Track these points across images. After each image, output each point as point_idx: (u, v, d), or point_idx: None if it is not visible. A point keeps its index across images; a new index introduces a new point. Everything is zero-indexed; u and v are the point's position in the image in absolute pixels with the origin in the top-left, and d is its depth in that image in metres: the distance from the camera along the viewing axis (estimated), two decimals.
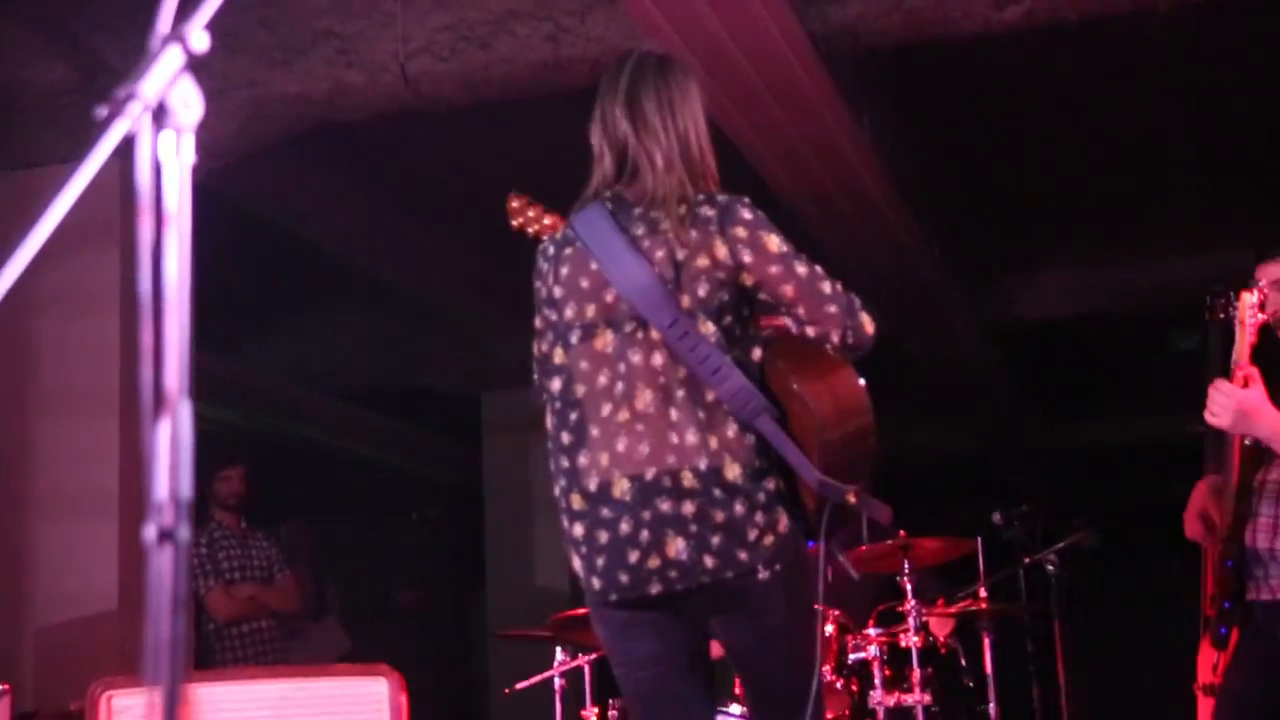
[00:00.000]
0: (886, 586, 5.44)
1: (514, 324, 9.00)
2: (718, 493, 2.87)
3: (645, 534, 2.87)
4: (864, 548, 5.20)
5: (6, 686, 4.20)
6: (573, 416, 2.99)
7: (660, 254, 2.93)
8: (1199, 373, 3.93)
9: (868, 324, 2.98)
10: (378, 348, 9.46)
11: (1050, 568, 5.79)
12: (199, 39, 1.31)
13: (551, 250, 3.11)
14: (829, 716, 4.82)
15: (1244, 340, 3.64)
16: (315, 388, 9.78)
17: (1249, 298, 3.68)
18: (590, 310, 2.99)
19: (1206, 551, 4.17)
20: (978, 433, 11.33)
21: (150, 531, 1.35)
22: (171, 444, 1.33)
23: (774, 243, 2.94)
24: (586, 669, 5.29)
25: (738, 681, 3.83)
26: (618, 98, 3.08)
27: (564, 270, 3.03)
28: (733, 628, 3.00)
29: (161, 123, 1.27)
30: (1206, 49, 6.02)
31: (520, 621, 6.32)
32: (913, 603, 5.07)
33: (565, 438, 3.00)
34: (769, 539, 2.88)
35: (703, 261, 2.92)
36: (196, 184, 1.32)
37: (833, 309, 2.94)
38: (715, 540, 2.86)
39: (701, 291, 2.92)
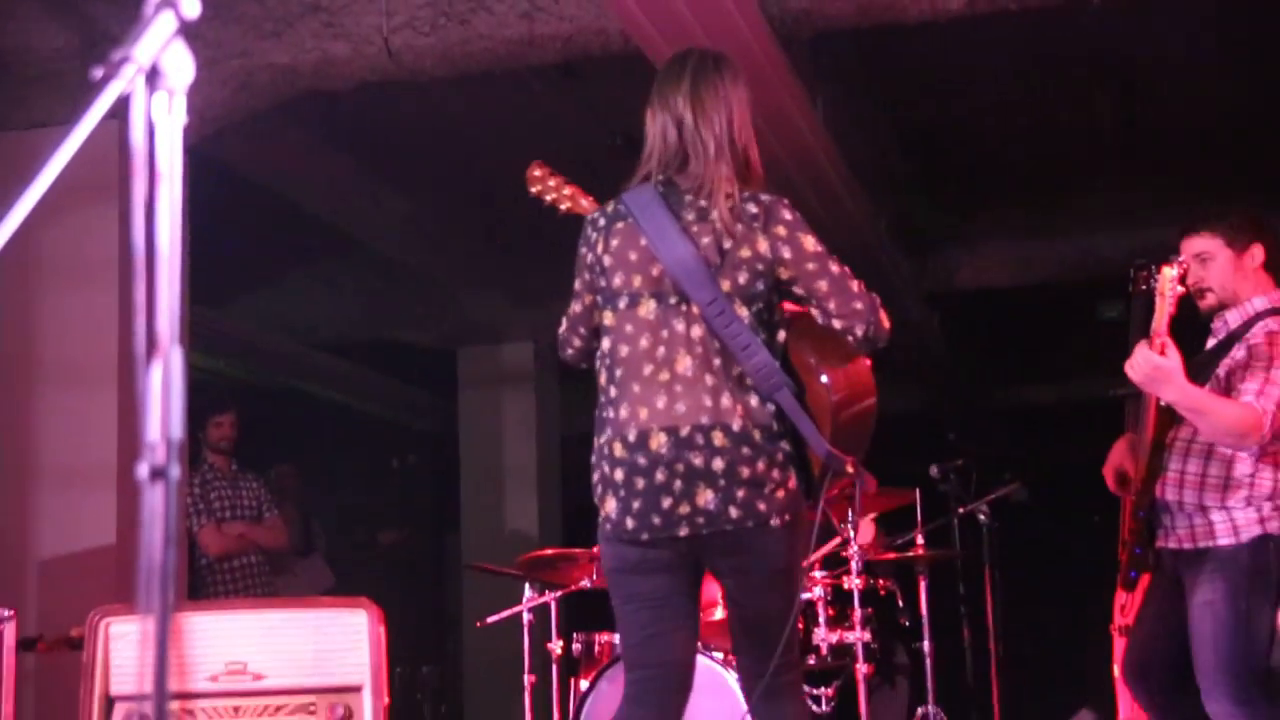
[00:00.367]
0: (828, 532, 5.47)
1: (488, 284, 9.04)
2: (745, 450, 3.03)
3: (679, 484, 3.03)
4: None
5: (12, 612, 4.19)
6: (618, 373, 3.13)
7: (707, 240, 3.08)
8: (1123, 340, 3.97)
9: (885, 321, 3.15)
10: (360, 304, 9.43)
11: (982, 518, 5.83)
12: (190, 5, 1.31)
13: (602, 222, 3.23)
14: None
15: (1163, 311, 3.69)
16: (302, 341, 9.74)
17: (1169, 271, 3.72)
18: (637, 280, 3.12)
19: (1124, 503, 4.22)
20: (920, 393, 11.39)
21: (143, 469, 1.35)
22: (163, 387, 1.32)
23: (810, 243, 3.10)
24: (553, 605, 5.31)
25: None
26: (680, 88, 3.19)
27: (614, 242, 3.16)
28: (740, 570, 3.13)
29: (155, 85, 1.27)
30: (1137, 36, 6.03)
31: (492, 560, 6.33)
32: (855, 547, 5.10)
33: (611, 391, 3.15)
34: (781, 493, 3.06)
35: (745, 253, 3.07)
36: (189, 148, 1.32)
37: (859, 305, 3.09)
38: (740, 494, 3.02)
39: (741, 279, 3.07)
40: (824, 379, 3.12)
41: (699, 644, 3.72)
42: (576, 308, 3.29)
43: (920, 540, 5.64)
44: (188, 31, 1.30)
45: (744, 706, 4.56)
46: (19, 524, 5.30)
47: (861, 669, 4.99)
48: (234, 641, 3.85)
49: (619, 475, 3.10)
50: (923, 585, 5.61)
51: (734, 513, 3.03)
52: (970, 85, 6.59)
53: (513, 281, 8.99)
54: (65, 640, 4.31)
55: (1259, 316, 3.89)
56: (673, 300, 3.10)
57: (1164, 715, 4.01)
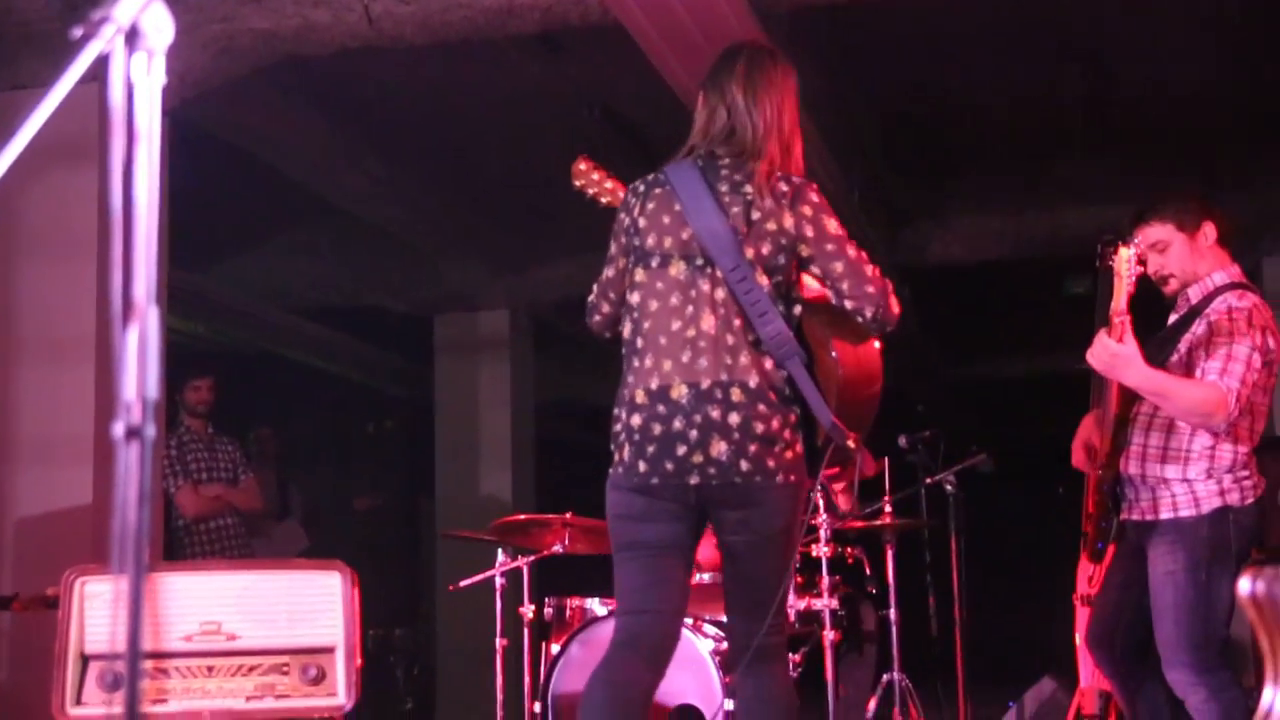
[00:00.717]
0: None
1: (466, 252, 9.00)
2: (761, 408, 3.18)
3: (695, 433, 3.16)
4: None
5: None
6: (646, 325, 3.27)
7: (737, 210, 3.24)
8: (1090, 315, 3.98)
9: (895, 305, 3.28)
10: (338, 270, 9.38)
11: (949, 488, 5.85)
12: None
13: (641, 188, 3.38)
14: None
15: (1122, 291, 3.70)
16: (280, 306, 9.69)
17: (1126, 251, 3.73)
18: (668, 242, 3.28)
19: (1088, 476, 4.24)
20: (890, 364, 11.40)
21: (119, 429, 1.34)
22: (140, 347, 1.31)
23: (832, 225, 3.26)
24: (525, 570, 5.32)
25: None
26: (734, 74, 3.35)
27: (650, 205, 3.32)
28: (745, 524, 3.22)
29: (134, 45, 1.25)
30: (1106, 16, 6.04)
31: (466, 526, 6.33)
32: (824, 516, 5.12)
33: (638, 343, 3.29)
34: (789, 454, 3.21)
35: (771, 226, 3.23)
36: (169, 112, 1.31)
37: (870, 289, 3.24)
38: (752, 448, 3.16)
39: (765, 249, 3.23)
40: (834, 354, 3.25)
41: None
42: (610, 272, 3.41)
43: (888, 509, 5.67)
44: None
45: (712, 670, 4.59)
46: None
47: (829, 635, 5.01)
48: (208, 602, 3.84)
49: (637, 421, 3.22)
50: (890, 554, 5.64)
51: (744, 465, 3.15)
52: (942, 61, 6.59)
53: (490, 250, 8.96)
54: (41, 599, 4.29)
55: (1219, 291, 3.91)
56: (699, 262, 3.25)
57: (1125, 683, 4.05)
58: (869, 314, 3.24)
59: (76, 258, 5.23)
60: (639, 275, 3.31)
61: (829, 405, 3.21)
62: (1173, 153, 7.49)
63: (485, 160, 7.70)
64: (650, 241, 3.30)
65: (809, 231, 3.24)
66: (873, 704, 5.58)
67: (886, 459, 5.64)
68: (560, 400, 11.86)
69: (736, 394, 3.17)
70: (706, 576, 5.12)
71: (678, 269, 3.26)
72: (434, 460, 9.73)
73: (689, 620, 4.69)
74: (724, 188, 3.27)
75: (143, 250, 1.27)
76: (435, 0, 5.00)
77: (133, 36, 1.27)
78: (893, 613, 5.54)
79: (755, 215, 3.23)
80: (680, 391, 3.19)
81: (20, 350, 5.32)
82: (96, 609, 3.75)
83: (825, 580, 5.05)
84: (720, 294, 3.23)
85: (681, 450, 3.17)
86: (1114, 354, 3.69)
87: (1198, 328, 3.87)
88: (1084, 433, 4.25)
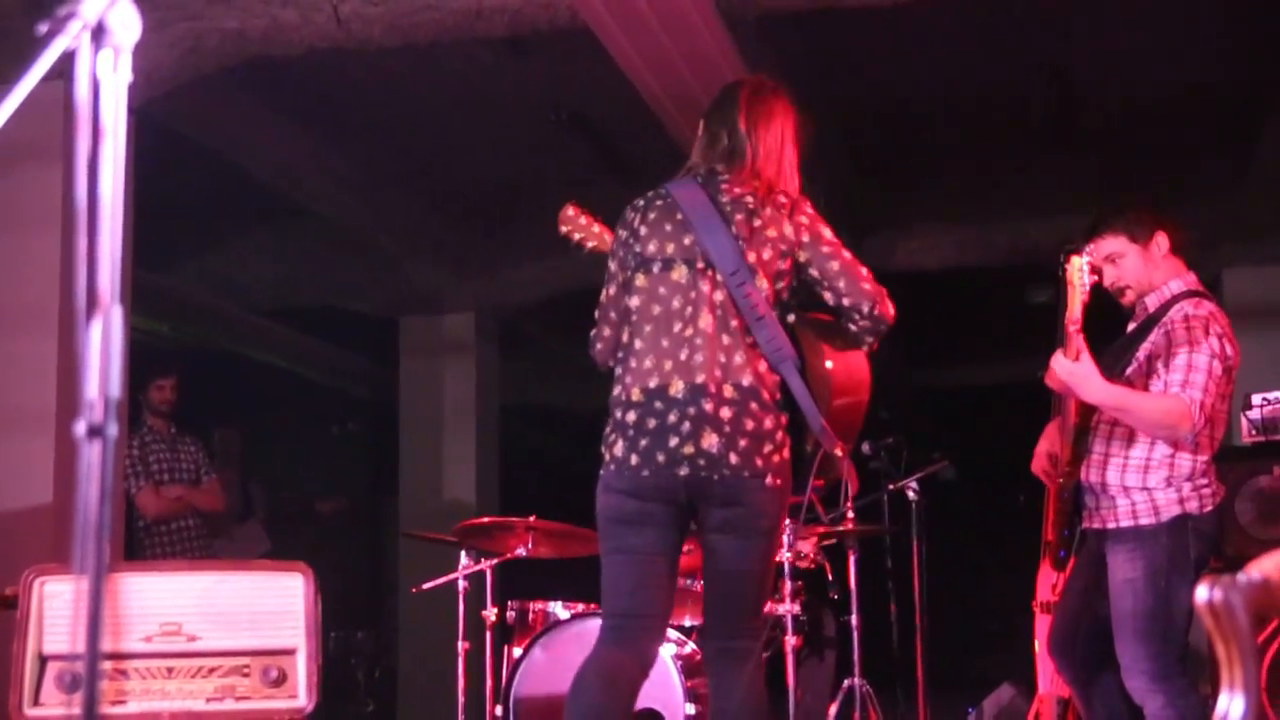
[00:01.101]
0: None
1: (432, 254, 8.98)
2: (753, 406, 3.27)
3: (687, 425, 3.25)
4: None
5: None
6: (646, 329, 3.37)
7: (740, 217, 3.37)
8: (1053, 324, 4.00)
9: (889, 309, 3.39)
10: (303, 271, 9.33)
11: (911, 494, 5.87)
12: None
13: (642, 203, 3.50)
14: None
15: (1075, 301, 3.73)
16: (245, 306, 9.63)
17: (1078, 260, 3.76)
18: (670, 248, 3.39)
19: (1050, 488, 4.26)
20: None
21: (80, 427, 1.33)
22: (103, 345, 1.30)
23: (827, 233, 3.41)
24: (488, 573, 5.30)
25: None
26: (738, 102, 3.52)
27: (651, 215, 3.44)
28: (730, 523, 3.29)
29: (100, 41, 1.24)
30: (1070, 25, 6.08)
31: (429, 529, 6.30)
32: (787, 522, 5.12)
33: (637, 344, 3.38)
34: (777, 458, 3.30)
35: (772, 232, 3.36)
36: (136, 110, 1.30)
37: (867, 287, 3.36)
38: (742, 443, 3.25)
39: (766, 254, 3.35)
40: (828, 362, 3.39)
41: None
42: (611, 290, 3.49)
43: (850, 515, 5.68)
44: None
45: (673, 674, 4.59)
46: None
47: (790, 641, 5.01)
48: (169, 602, 3.81)
49: (631, 417, 3.32)
50: (852, 559, 5.65)
51: (734, 459, 3.24)
52: (908, 68, 6.62)
53: (456, 252, 8.94)
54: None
55: (1175, 299, 3.94)
56: (700, 266, 3.36)
57: (1085, 690, 4.07)
58: (866, 309, 3.34)
59: (39, 256, 5.19)
60: (639, 281, 3.40)
61: (821, 411, 3.31)
62: (1135, 163, 7.55)
63: (452, 163, 7.68)
64: (652, 248, 3.40)
65: (806, 237, 3.38)
66: (833, 709, 5.59)
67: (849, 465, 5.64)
68: (525, 404, 11.83)
69: (730, 391, 3.27)
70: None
71: (679, 273, 3.37)
72: (398, 463, 9.69)
73: None
74: (725, 199, 3.40)
75: (107, 248, 1.26)
76: (404, 2, 4.99)
77: (99, 33, 1.26)
78: (854, 618, 5.55)
79: (757, 223, 3.36)
80: (677, 388, 3.28)
81: None
82: (56, 609, 3.71)
83: (787, 585, 5.05)
84: (719, 296, 3.33)
85: (673, 441, 3.25)
86: (1070, 373, 3.73)
87: (1156, 336, 3.89)
88: (1046, 441, 4.27)
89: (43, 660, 3.69)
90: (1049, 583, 4.87)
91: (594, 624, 4.80)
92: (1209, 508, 3.84)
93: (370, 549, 11.69)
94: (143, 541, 6.32)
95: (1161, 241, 3.97)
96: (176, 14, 5.07)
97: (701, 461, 3.24)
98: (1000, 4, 5.25)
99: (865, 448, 5.95)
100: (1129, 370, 3.91)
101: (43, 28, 1.23)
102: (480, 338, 9.53)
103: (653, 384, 3.30)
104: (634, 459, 3.28)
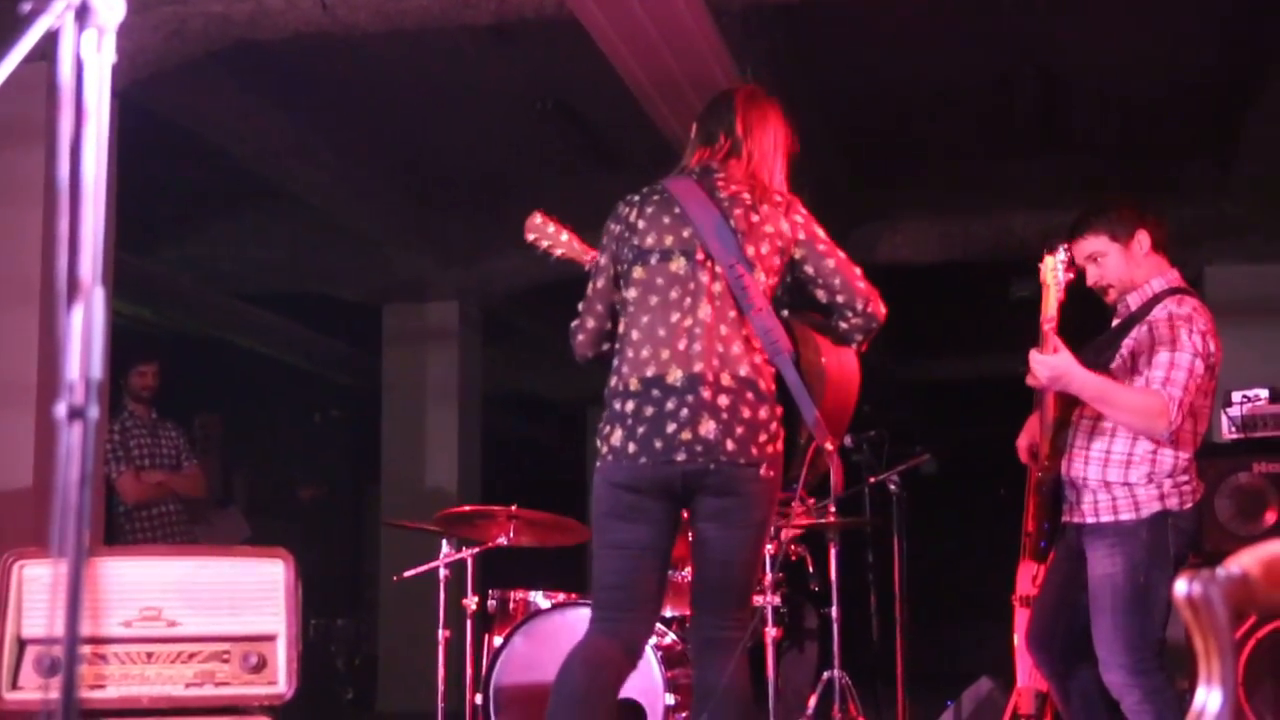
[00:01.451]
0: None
1: (416, 242, 8.96)
2: (749, 395, 3.31)
3: (685, 412, 3.28)
4: None
5: None
6: (644, 319, 3.38)
7: (738, 212, 3.41)
8: (1035, 319, 4.00)
9: (881, 308, 3.45)
10: (287, 257, 9.31)
11: (892, 487, 5.87)
12: None
13: (637, 198, 3.52)
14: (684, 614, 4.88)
15: (1050, 299, 3.75)
16: (228, 291, 9.61)
17: (1051, 260, 3.78)
18: (669, 240, 3.41)
19: (1029, 478, 4.27)
20: None
21: (61, 409, 1.32)
22: (84, 327, 1.29)
23: (821, 232, 3.48)
24: (469, 561, 5.30)
25: None
26: (733, 106, 3.58)
27: (649, 209, 3.46)
28: (725, 512, 3.32)
29: (84, 22, 1.23)
30: (1056, 23, 6.09)
31: (411, 517, 6.30)
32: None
33: (634, 335, 3.39)
34: (771, 449, 3.33)
35: (769, 228, 3.41)
36: (120, 92, 1.29)
37: (861, 285, 3.43)
38: (739, 430, 3.28)
39: (764, 248, 3.39)
40: (822, 357, 3.42)
41: None
42: (599, 283, 3.50)
43: (832, 508, 5.68)
44: None
45: (654, 665, 4.60)
46: None
47: (771, 633, 5.03)
48: (149, 587, 3.80)
49: (629, 407, 3.33)
50: (833, 552, 5.66)
51: (730, 445, 3.26)
52: (895, 63, 6.62)
53: (440, 240, 8.92)
54: None
55: (1158, 297, 3.94)
56: (700, 257, 3.39)
57: (1063, 684, 4.08)
58: (859, 306, 3.40)
59: (22, 233, 5.16)
60: (637, 273, 3.42)
61: (815, 402, 3.35)
62: (1118, 160, 7.58)
63: (437, 150, 7.66)
64: (650, 240, 3.42)
65: (801, 235, 3.43)
66: (813, 701, 5.60)
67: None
68: (508, 392, 11.83)
69: (727, 379, 3.30)
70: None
71: (679, 264, 3.39)
72: (380, 450, 9.68)
73: None
74: (723, 194, 3.44)
75: (89, 230, 1.25)
76: None
77: (83, 13, 1.25)
78: (834, 611, 5.56)
79: (754, 218, 3.40)
80: (675, 376, 3.30)
81: None
82: (35, 593, 3.70)
83: (768, 577, 5.06)
84: (718, 288, 3.36)
85: (671, 428, 3.27)
86: (1051, 367, 3.74)
87: (1139, 333, 3.90)
88: (1027, 435, 4.28)
89: (21, 644, 3.68)
90: (1028, 576, 4.88)
91: (575, 614, 4.81)
92: (1189, 504, 3.85)
93: (351, 536, 11.68)
94: (123, 527, 6.30)
95: (1143, 240, 3.98)
96: None
97: (699, 448, 3.26)
98: (988, 1, 5.26)
99: (847, 440, 5.96)
100: (1112, 366, 3.92)
101: (26, 7, 1.22)
102: (464, 325, 9.52)
103: (650, 373, 3.32)
104: (631, 447, 3.30)
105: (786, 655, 5.55)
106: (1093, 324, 4.13)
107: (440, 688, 5.24)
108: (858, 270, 3.45)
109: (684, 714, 4.65)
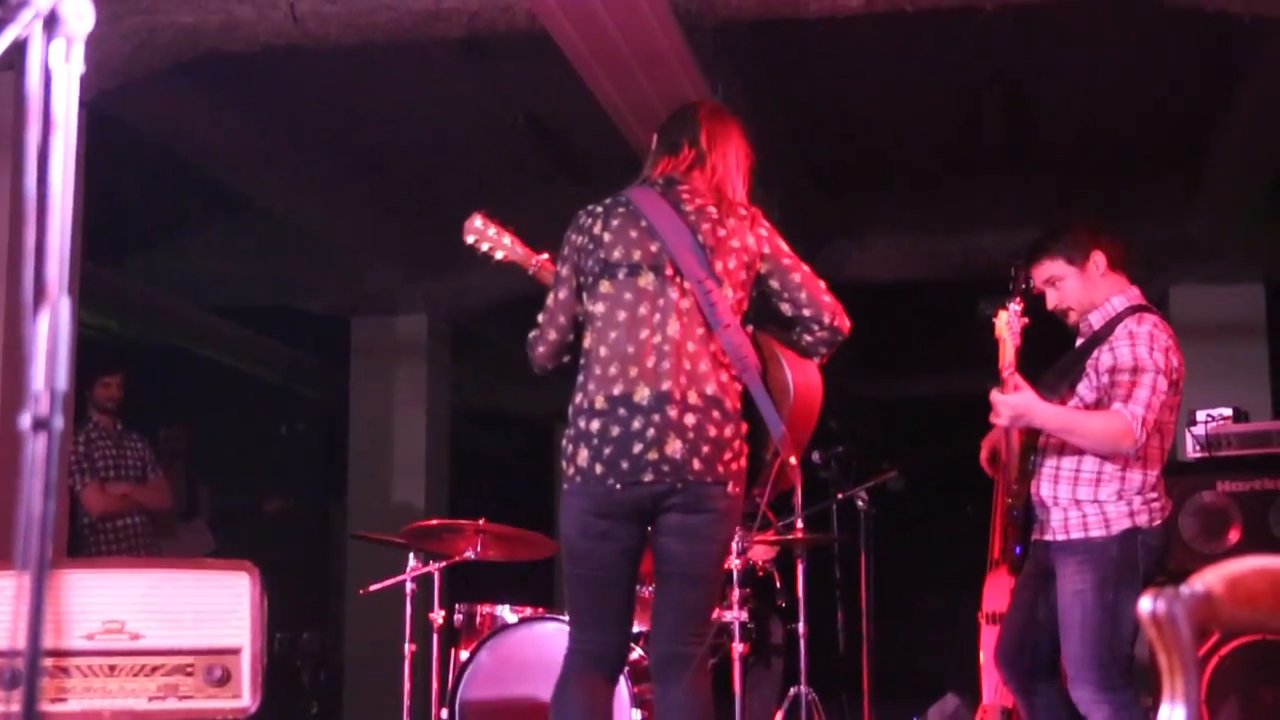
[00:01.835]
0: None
1: (385, 255, 8.93)
2: (715, 414, 3.31)
3: (652, 431, 3.27)
4: None
5: None
6: (612, 335, 3.36)
7: (706, 226, 3.41)
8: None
9: (846, 322, 3.49)
10: (255, 269, 9.25)
11: (860, 503, 5.89)
12: None
13: (600, 209, 3.49)
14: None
15: (1006, 352, 3.86)
16: (194, 302, 9.55)
17: (1004, 315, 3.92)
18: (636, 254, 3.39)
19: (997, 493, 4.29)
20: None
21: (26, 420, 1.31)
22: (50, 338, 1.29)
23: (785, 246, 3.50)
24: (436, 575, 5.28)
25: None
26: (696, 119, 3.59)
27: (614, 222, 3.43)
28: (691, 531, 3.32)
29: (53, 31, 1.23)
30: (1025, 47, 6.13)
31: (378, 531, 6.27)
32: (737, 530, 5.12)
33: (601, 351, 3.36)
34: (736, 466, 3.34)
35: (735, 243, 3.42)
36: (88, 103, 1.29)
37: (826, 299, 3.46)
38: (705, 449, 3.28)
39: (731, 263, 3.40)
40: (787, 371, 3.43)
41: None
42: (562, 294, 3.47)
43: (800, 524, 5.69)
44: None
45: (620, 680, 4.59)
46: None
47: (738, 648, 5.02)
48: (112, 600, 3.78)
49: (595, 426, 3.31)
50: (800, 568, 5.67)
51: (697, 464, 3.27)
52: (863, 80, 6.65)
53: (409, 253, 8.90)
54: None
55: (1120, 316, 3.97)
56: (669, 273, 3.38)
57: (1031, 700, 4.09)
58: (825, 320, 3.44)
59: None
60: (604, 287, 3.39)
61: (781, 416, 3.38)
62: (1085, 180, 7.63)
63: (407, 164, 7.65)
64: (617, 254, 3.40)
65: (767, 249, 3.45)
66: (779, 717, 5.60)
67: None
68: (476, 407, 11.80)
69: (694, 397, 3.29)
70: None
71: (647, 280, 3.37)
72: (347, 464, 9.63)
73: None
74: (689, 208, 3.43)
75: (56, 240, 1.24)
76: (361, 0, 4.97)
77: (52, 22, 1.24)
78: (801, 627, 5.56)
79: (721, 232, 3.40)
80: (642, 395, 3.29)
81: None
82: None
83: (735, 592, 5.06)
84: (686, 304, 3.36)
85: (637, 448, 3.26)
86: (1013, 405, 3.82)
87: (1101, 353, 3.93)
88: (992, 439, 4.33)
89: None
90: (996, 593, 4.90)
91: (541, 628, 4.81)
92: (1158, 521, 3.88)
93: (318, 550, 11.61)
94: (87, 539, 6.25)
95: (1099, 260, 4.00)
96: (131, 7, 5.02)
97: (666, 468, 3.26)
98: (956, 20, 5.28)
99: (815, 456, 5.98)
100: (1078, 386, 3.94)
101: None
102: (432, 339, 9.49)
103: (617, 391, 3.30)
104: (599, 468, 3.29)
105: (753, 671, 5.55)
106: (1063, 339, 4.16)
107: (406, 702, 5.23)
108: (823, 284, 3.48)
109: None
